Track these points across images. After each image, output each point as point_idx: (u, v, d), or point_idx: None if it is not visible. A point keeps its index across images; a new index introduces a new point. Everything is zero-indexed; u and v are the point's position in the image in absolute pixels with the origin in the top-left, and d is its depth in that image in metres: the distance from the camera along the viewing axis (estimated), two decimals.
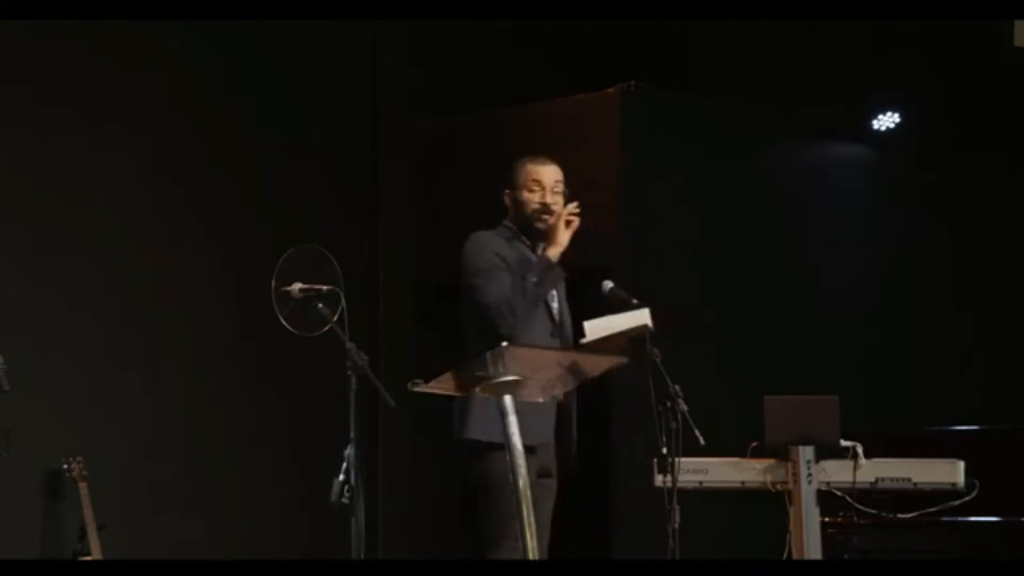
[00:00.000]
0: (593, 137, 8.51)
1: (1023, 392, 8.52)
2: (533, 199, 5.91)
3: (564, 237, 5.84)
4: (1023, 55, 8.27)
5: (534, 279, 5.78)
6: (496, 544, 5.55)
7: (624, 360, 5.46)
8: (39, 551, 7.31)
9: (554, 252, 5.83)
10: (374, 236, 8.42)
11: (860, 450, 6.16)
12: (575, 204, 5.85)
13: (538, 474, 5.66)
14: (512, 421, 5.09)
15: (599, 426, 8.22)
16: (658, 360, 5.47)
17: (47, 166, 7.49)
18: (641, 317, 5.51)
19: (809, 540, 6.12)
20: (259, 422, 7.97)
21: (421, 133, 8.88)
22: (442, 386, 5.32)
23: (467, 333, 5.90)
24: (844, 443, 6.17)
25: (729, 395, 7.87)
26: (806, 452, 6.13)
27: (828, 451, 6.17)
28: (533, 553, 5.01)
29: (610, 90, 8.44)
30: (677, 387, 5.50)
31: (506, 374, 5.10)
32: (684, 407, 5.49)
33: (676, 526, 5.51)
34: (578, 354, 5.28)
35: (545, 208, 5.89)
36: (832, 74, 8.83)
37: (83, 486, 7.14)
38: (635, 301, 5.53)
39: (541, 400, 5.37)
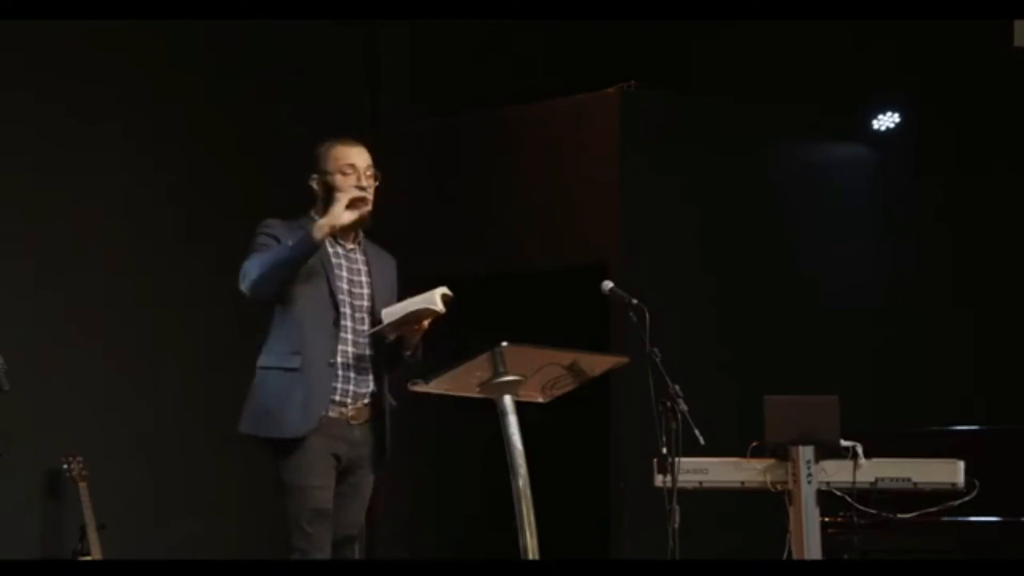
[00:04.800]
0: (593, 137, 8.49)
1: (1023, 392, 8.51)
2: (348, 183, 5.42)
3: (339, 211, 5.32)
4: (1023, 55, 8.26)
5: (289, 243, 5.35)
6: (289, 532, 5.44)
7: (624, 360, 5.46)
8: (39, 551, 7.31)
9: (323, 224, 5.32)
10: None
11: (860, 450, 6.15)
12: (366, 188, 5.44)
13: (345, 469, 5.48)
14: (512, 421, 5.09)
15: (599, 426, 8.21)
16: (658, 360, 5.46)
17: (47, 166, 7.49)
18: (431, 299, 5.32)
19: (809, 540, 6.11)
20: None
21: (421, 133, 8.88)
22: (442, 386, 5.32)
23: None
24: (844, 443, 6.16)
25: (729, 395, 7.86)
26: (806, 452, 6.12)
27: (828, 451, 6.16)
28: (533, 553, 5.01)
29: (610, 90, 8.42)
30: (677, 387, 5.48)
31: (506, 374, 5.09)
32: (684, 407, 5.48)
33: (676, 526, 5.50)
34: (577, 354, 5.26)
35: (363, 192, 5.43)
36: (832, 74, 8.81)
37: (83, 486, 7.14)
38: (635, 301, 5.51)
39: (542, 400, 5.36)
